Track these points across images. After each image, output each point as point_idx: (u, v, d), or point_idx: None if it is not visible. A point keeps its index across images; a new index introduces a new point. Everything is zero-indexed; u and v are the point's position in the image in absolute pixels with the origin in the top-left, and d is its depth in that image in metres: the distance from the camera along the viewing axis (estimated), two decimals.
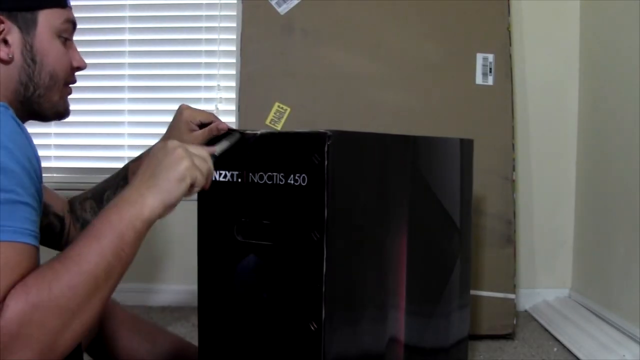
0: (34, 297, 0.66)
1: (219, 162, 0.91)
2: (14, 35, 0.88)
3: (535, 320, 1.94)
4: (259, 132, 0.93)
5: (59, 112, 0.97)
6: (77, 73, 1.00)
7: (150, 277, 2.05)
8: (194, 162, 0.79)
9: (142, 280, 1.99)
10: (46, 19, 0.91)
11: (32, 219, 0.73)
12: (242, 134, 0.94)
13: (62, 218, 1.12)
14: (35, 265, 0.72)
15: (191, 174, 0.78)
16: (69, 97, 0.99)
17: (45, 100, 0.93)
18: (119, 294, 1.75)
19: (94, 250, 0.71)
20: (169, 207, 0.77)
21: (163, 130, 1.08)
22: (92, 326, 0.74)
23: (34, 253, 0.72)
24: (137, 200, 0.75)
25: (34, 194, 0.75)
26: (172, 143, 0.79)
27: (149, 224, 0.75)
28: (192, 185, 0.79)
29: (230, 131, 0.97)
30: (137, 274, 2.13)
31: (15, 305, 0.65)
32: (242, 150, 0.93)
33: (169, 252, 2.10)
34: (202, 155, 0.82)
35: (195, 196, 0.89)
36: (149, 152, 0.85)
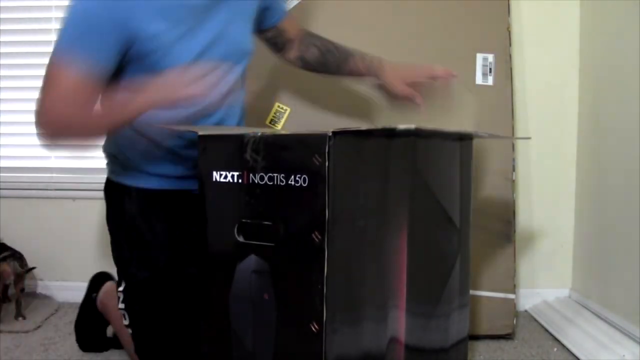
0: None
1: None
2: None
3: (535, 320, 1.94)
4: (259, 133, 0.93)
5: None
6: None
7: None
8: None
9: None
10: None
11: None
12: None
13: (290, 40, 1.53)
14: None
15: None
16: None
17: None
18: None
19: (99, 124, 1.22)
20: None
21: None
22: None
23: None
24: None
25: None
26: None
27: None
28: None
29: None
30: None
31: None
32: (243, 150, 0.93)
33: None
34: None
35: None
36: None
